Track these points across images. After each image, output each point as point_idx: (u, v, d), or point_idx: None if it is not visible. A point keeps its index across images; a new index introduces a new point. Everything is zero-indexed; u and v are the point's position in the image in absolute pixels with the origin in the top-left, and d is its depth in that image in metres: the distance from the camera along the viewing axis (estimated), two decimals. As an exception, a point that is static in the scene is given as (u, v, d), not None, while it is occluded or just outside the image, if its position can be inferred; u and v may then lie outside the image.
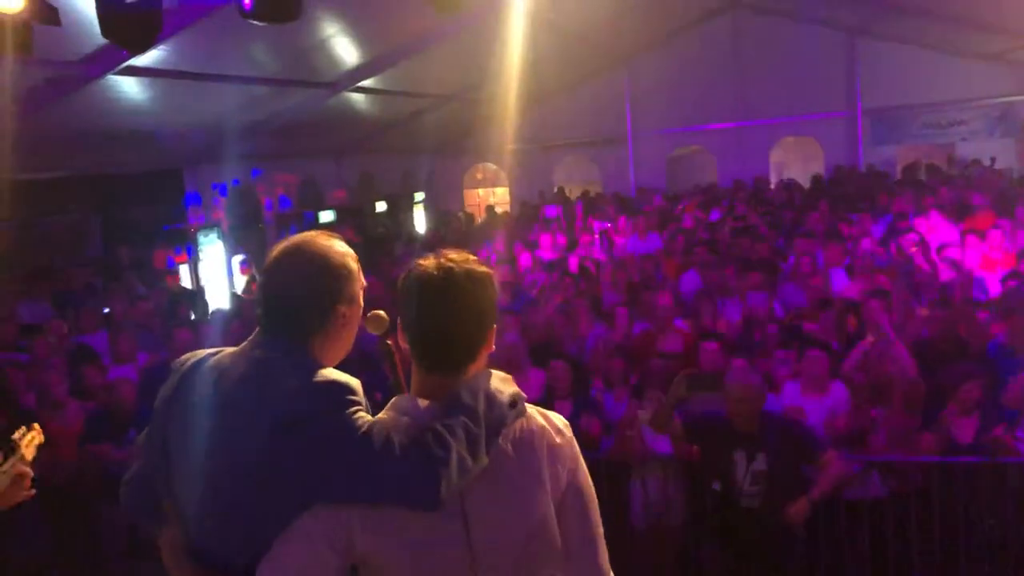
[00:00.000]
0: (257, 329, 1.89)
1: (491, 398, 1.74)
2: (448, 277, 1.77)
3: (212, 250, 11.27)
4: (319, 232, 1.95)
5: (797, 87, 17.00)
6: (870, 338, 5.71)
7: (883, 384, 5.46)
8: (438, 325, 1.77)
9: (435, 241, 12.44)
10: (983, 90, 16.22)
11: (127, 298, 8.83)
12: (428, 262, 1.81)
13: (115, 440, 5.80)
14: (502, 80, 12.94)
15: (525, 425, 1.79)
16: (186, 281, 10.55)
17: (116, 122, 9.80)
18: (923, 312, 6.45)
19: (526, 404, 1.84)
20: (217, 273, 11.26)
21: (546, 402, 5.72)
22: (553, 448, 1.80)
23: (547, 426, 1.81)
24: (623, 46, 17.06)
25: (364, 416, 1.74)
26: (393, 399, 1.85)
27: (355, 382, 1.78)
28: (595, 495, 1.87)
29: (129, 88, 9.11)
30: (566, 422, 1.87)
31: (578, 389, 5.94)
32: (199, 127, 10.94)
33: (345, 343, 1.95)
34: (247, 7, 5.36)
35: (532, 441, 1.78)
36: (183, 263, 10.59)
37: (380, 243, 13.72)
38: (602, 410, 5.81)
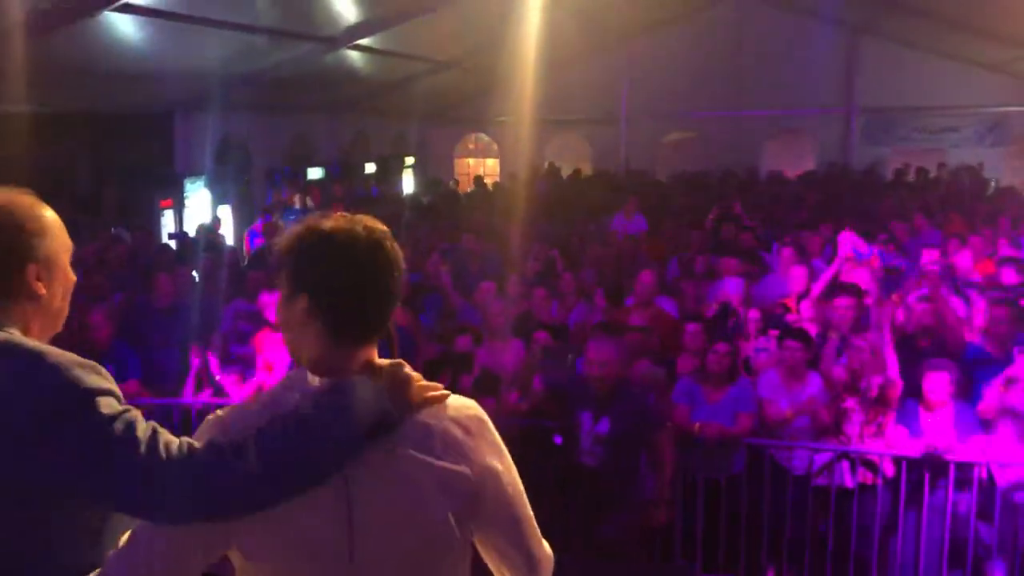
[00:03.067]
0: None
1: (348, 410, 1.51)
2: (374, 238, 1.62)
3: (198, 197, 11.18)
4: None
5: (794, 81, 17.02)
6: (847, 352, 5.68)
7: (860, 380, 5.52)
8: (367, 289, 1.61)
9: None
10: (979, 98, 16.31)
11: (105, 238, 8.76)
12: (342, 222, 1.63)
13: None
14: (501, 51, 12.87)
15: (427, 424, 1.61)
16: (171, 225, 10.48)
17: (110, 61, 9.67)
18: (896, 300, 6.51)
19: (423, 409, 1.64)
20: (202, 220, 11.18)
21: (528, 375, 5.79)
22: (459, 446, 1.62)
23: (451, 425, 1.64)
24: (624, 26, 16.98)
25: (114, 405, 1.53)
26: (287, 372, 1.70)
27: (90, 363, 1.57)
28: (518, 481, 1.73)
29: (125, 27, 8.97)
30: (476, 410, 1.70)
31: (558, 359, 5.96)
32: (194, 73, 10.81)
33: (53, 317, 1.73)
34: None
35: (433, 442, 1.60)
36: (168, 208, 10.50)
37: (368, 204, 13.66)
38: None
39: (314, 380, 1.60)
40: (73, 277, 1.77)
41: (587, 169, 18.61)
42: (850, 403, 5.42)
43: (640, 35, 17.87)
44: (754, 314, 6.59)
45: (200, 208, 11.24)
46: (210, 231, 10.24)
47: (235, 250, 9.91)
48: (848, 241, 7.38)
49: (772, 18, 17.03)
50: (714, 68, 17.52)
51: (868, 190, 14.25)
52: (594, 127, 19.10)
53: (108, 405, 1.53)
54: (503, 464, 1.69)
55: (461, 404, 1.69)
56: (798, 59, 16.84)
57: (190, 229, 10.74)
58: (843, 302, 6.12)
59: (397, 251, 1.65)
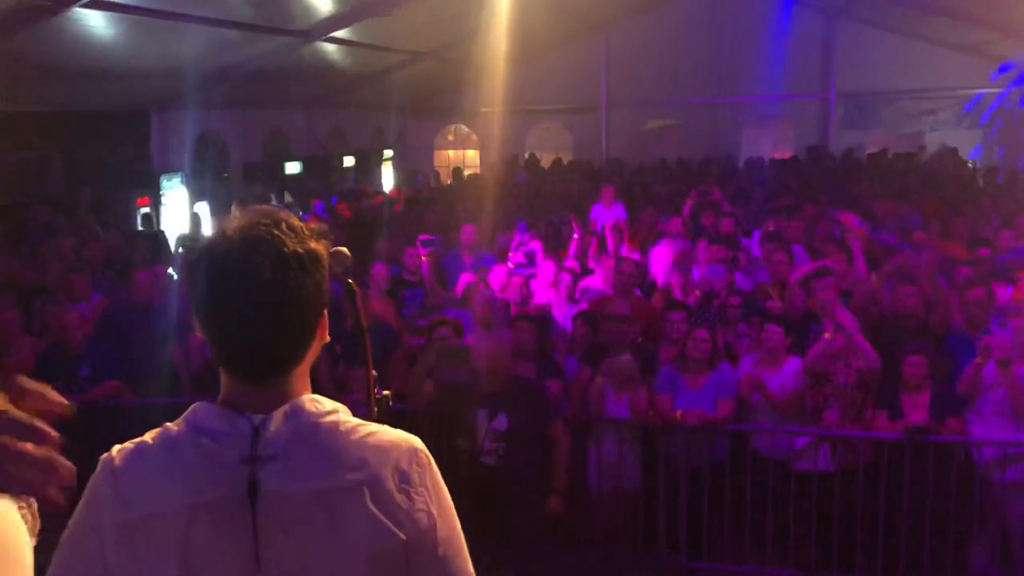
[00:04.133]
0: None
1: None
2: (284, 258, 1.39)
3: (175, 195, 11.08)
4: None
5: (772, 67, 17.05)
6: (827, 334, 5.67)
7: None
8: (243, 315, 1.39)
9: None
10: (955, 81, 16.41)
11: (83, 237, 8.67)
12: (238, 226, 1.42)
13: (65, 378, 5.73)
14: (477, 41, 12.82)
15: (353, 475, 1.39)
16: (148, 224, 10.38)
17: (83, 59, 9.55)
18: (874, 279, 6.54)
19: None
20: (179, 218, 11.09)
21: (511, 361, 5.78)
22: (392, 502, 1.41)
23: (386, 475, 1.41)
24: (601, 13, 16.96)
25: None
26: (192, 406, 1.45)
27: None
28: (457, 529, 1.50)
29: (97, 23, 8.85)
30: (415, 447, 1.47)
31: (542, 351, 5.96)
32: (168, 69, 10.70)
33: None
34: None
35: (360, 496, 1.39)
36: (145, 206, 10.41)
37: (347, 197, 13.59)
38: (564, 373, 5.84)
39: (227, 418, 1.41)
40: None
41: (568, 158, 18.59)
42: (828, 388, 5.45)
43: (617, 22, 17.85)
44: (735, 300, 6.61)
45: (177, 205, 11.15)
46: (191, 240, 10.17)
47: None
48: (853, 219, 7.46)
49: (749, 4, 17.05)
50: (692, 55, 17.54)
51: (847, 174, 14.32)
52: (574, 116, 19.10)
53: None
54: (442, 516, 1.46)
55: (399, 443, 1.46)
56: (776, 45, 16.88)
57: (167, 227, 10.66)
58: (824, 283, 6.14)
59: (320, 273, 1.43)
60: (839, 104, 17.56)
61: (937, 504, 5.10)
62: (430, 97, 18.36)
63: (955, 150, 15.78)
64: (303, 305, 1.41)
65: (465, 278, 7.18)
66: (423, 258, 7.20)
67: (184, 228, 11.01)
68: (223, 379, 1.46)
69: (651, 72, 17.74)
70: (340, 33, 12.06)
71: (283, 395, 1.44)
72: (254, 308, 1.38)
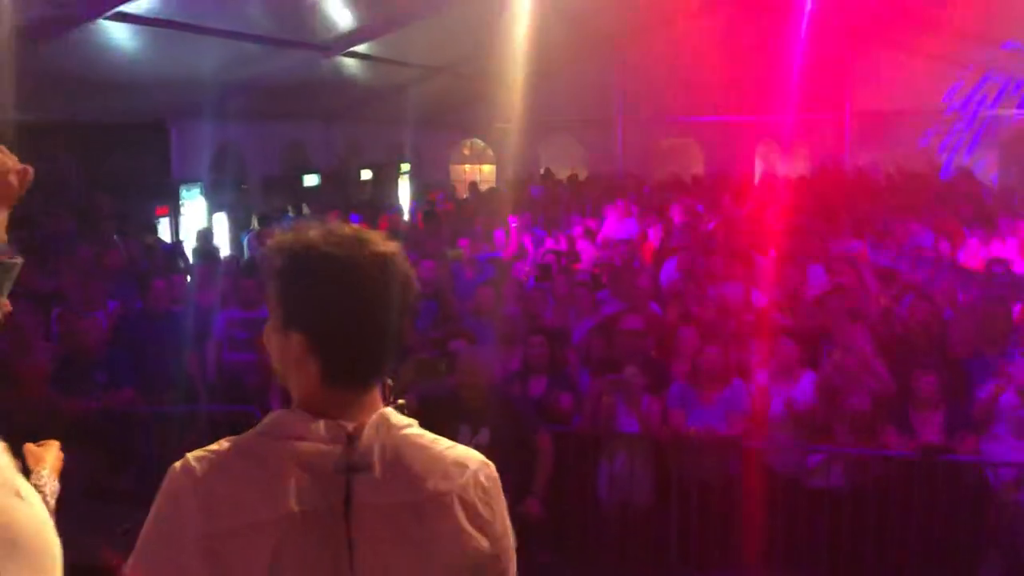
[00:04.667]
0: None
1: None
2: (381, 261, 1.42)
3: (194, 205, 11.20)
4: None
5: (788, 85, 17.03)
6: (838, 355, 5.65)
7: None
8: (375, 326, 1.42)
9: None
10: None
11: (102, 246, 8.77)
12: (341, 240, 1.42)
13: (82, 384, 5.80)
14: (493, 55, 12.88)
15: (445, 488, 1.43)
16: (166, 234, 10.49)
17: (105, 70, 9.67)
18: (885, 301, 6.54)
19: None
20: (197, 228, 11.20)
21: (522, 376, 5.82)
22: (478, 514, 1.46)
23: (466, 484, 1.46)
24: (617, 29, 17.02)
25: None
26: (272, 415, 1.46)
27: None
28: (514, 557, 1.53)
29: (119, 35, 8.99)
30: (487, 462, 1.52)
31: (554, 365, 5.99)
32: (188, 81, 10.82)
33: None
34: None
35: (445, 507, 1.43)
36: (164, 216, 10.52)
37: (364, 210, 13.68)
38: (576, 386, 5.86)
39: (317, 426, 1.40)
40: None
41: (583, 173, 18.64)
42: (841, 406, 5.44)
43: (632, 38, 17.90)
44: (748, 316, 6.62)
45: (196, 216, 11.26)
46: (207, 234, 10.28)
47: (230, 257, 9.92)
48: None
49: (764, 22, 17.06)
50: (707, 72, 17.54)
51: (861, 193, 14.29)
52: (589, 131, 19.14)
53: None
54: (508, 528, 1.53)
55: (473, 457, 1.51)
56: (791, 63, 16.87)
57: (186, 236, 10.77)
58: (835, 301, 6.15)
59: (409, 274, 1.46)
60: (854, 122, 17.54)
61: (948, 524, 5.08)
62: (446, 111, 18.45)
63: (968, 169, 15.74)
64: (402, 311, 1.44)
65: (483, 291, 7.21)
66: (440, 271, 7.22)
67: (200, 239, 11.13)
68: (309, 387, 1.44)
69: (666, 88, 17.77)
70: (359, 47, 12.17)
71: (373, 403, 1.46)
72: (369, 314, 1.40)
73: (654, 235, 10.15)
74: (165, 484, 1.40)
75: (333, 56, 12.00)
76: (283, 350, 1.44)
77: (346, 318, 1.40)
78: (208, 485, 1.37)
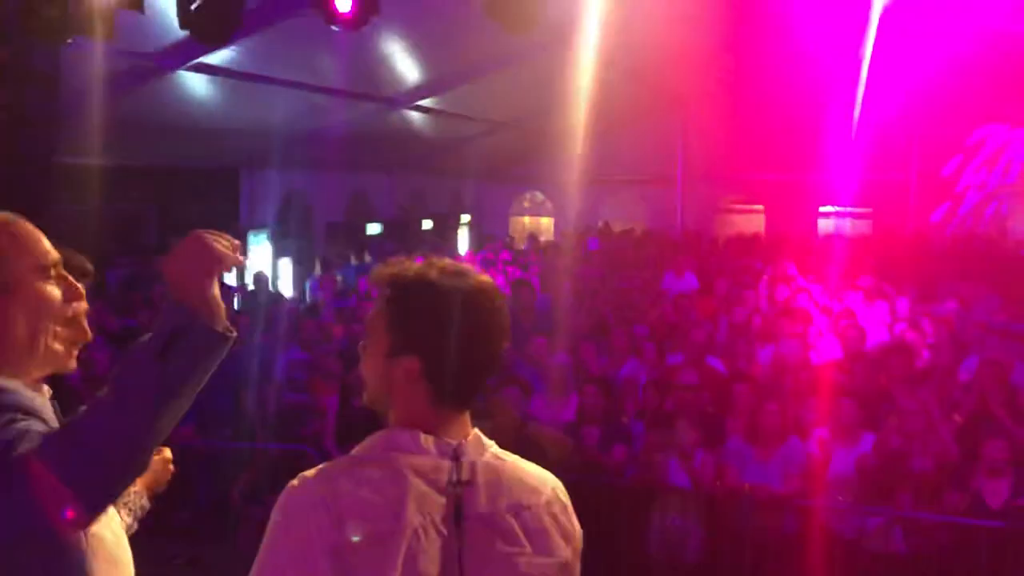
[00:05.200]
0: None
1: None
2: (489, 294, 1.55)
3: (260, 250, 11.50)
4: None
5: (852, 145, 16.91)
6: (900, 416, 5.51)
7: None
8: (486, 352, 1.55)
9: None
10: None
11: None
12: (453, 273, 1.54)
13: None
14: (556, 111, 13.06)
15: (531, 497, 1.56)
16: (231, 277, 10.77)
17: (181, 117, 10.09)
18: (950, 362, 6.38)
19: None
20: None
21: (577, 426, 5.82)
22: (563, 520, 1.60)
23: (552, 497, 1.59)
24: (681, 88, 17.14)
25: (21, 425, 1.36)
26: (384, 433, 1.55)
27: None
28: None
29: (197, 85, 9.40)
30: (562, 488, 1.64)
31: (608, 415, 5.97)
32: (260, 130, 11.22)
33: (23, 340, 1.48)
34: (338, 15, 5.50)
35: (540, 516, 1.56)
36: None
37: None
38: (630, 438, 5.83)
39: (427, 441, 1.50)
40: (51, 298, 1.52)
41: (642, 228, 18.66)
42: (903, 469, 5.31)
43: (695, 97, 17.99)
44: (806, 374, 6.53)
45: (261, 260, 11.57)
46: (263, 277, 10.55)
47: (292, 300, 10.15)
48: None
49: (828, 82, 17.02)
50: (771, 132, 17.53)
51: (926, 254, 14.03)
52: (649, 187, 19.20)
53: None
54: (580, 541, 1.63)
55: (548, 474, 1.63)
56: (855, 124, 16.77)
57: (250, 279, 11.05)
58: (898, 361, 6.03)
59: (505, 303, 1.58)
60: (917, 182, 17.31)
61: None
62: (508, 164, 18.72)
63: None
64: (502, 338, 1.57)
65: (537, 340, 7.23)
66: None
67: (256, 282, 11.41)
68: (418, 407, 1.53)
69: (729, 147, 17.77)
70: (424, 101, 12.49)
71: (468, 424, 1.58)
72: (477, 340, 1.53)
73: (714, 290, 10.09)
74: (285, 502, 1.46)
75: (399, 109, 12.33)
76: (389, 374, 1.53)
77: (458, 344, 1.50)
78: (335, 498, 1.43)
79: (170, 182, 11.30)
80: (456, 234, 17.91)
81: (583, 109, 12.69)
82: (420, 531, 1.44)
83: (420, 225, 16.48)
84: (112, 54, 7.10)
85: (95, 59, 6.62)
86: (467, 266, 1.59)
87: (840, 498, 5.39)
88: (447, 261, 1.57)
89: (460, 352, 1.50)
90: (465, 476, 1.49)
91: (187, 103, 9.71)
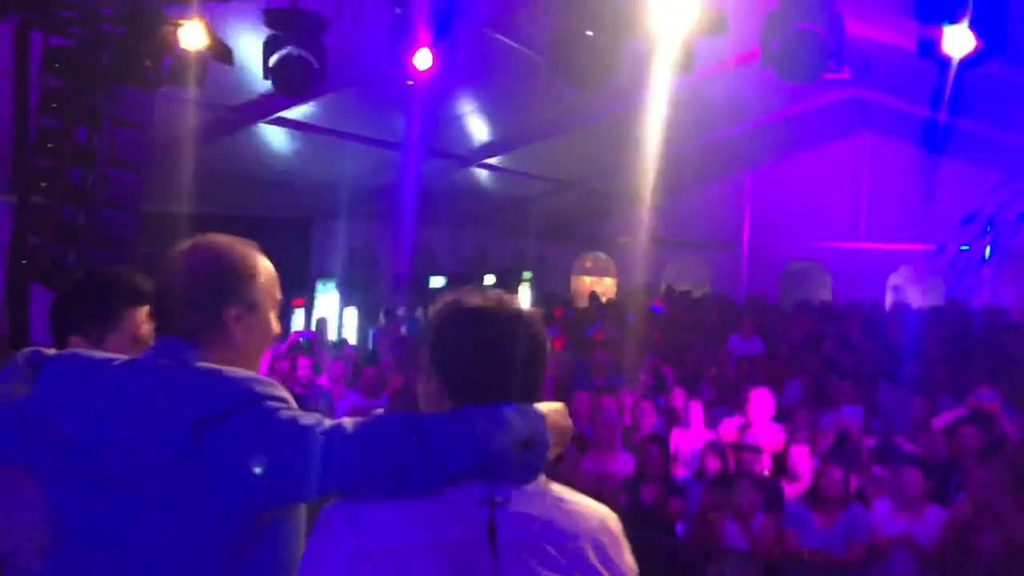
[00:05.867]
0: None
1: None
2: (513, 315, 1.62)
3: (327, 298, 11.78)
4: (229, 236, 1.80)
5: (921, 215, 16.66)
6: (969, 490, 5.36)
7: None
8: (501, 368, 1.59)
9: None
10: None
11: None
12: (484, 299, 1.63)
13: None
14: (621, 173, 13.21)
15: (568, 521, 1.55)
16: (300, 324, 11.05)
17: (257, 168, 10.47)
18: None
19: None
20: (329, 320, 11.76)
21: (635, 482, 5.80)
22: (603, 552, 1.57)
23: (594, 526, 1.58)
24: (748, 153, 17.17)
25: (294, 410, 1.59)
26: None
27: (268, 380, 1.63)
28: None
29: (275, 138, 9.77)
30: (613, 521, 1.63)
31: (666, 474, 5.94)
32: (332, 182, 11.56)
33: (249, 356, 1.74)
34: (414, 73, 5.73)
35: (579, 542, 1.55)
36: (299, 306, 11.09)
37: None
38: (688, 496, 5.78)
39: None
40: (275, 330, 1.78)
41: (706, 292, 18.55)
42: (971, 545, 5.14)
43: (761, 162, 18.01)
44: (870, 442, 6.40)
45: (328, 308, 11.84)
46: (324, 324, 10.79)
47: (356, 348, 10.34)
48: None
49: (897, 149, 16.89)
50: (838, 198, 17.41)
51: (999, 334, 13.58)
52: (714, 251, 19.14)
53: (275, 404, 1.57)
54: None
55: (604, 510, 1.62)
56: (925, 192, 16.55)
57: (316, 326, 11.32)
58: (970, 431, 5.88)
59: (540, 333, 1.61)
60: (993, 257, 16.88)
61: None
62: (571, 223, 18.87)
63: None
64: (528, 364, 1.59)
65: (581, 397, 7.23)
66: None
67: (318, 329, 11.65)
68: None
69: (795, 212, 17.68)
70: (491, 159, 12.74)
71: None
72: (495, 362, 1.57)
73: (778, 354, 9.98)
74: (318, 518, 1.55)
75: (467, 166, 12.59)
76: (427, 391, 1.62)
77: (474, 365, 1.57)
78: (356, 509, 1.51)
79: (245, 230, 11.56)
80: (518, 291, 18.04)
81: (648, 171, 12.79)
82: (443, 551, 1.46)
83: (482, 280, 16.64)
84: (200, 106, 7.46)
85: (184, 109, 6.95)
86: (512, 298, 1.64)
87: (902, 570, 5.24)
88: (495, 292, 1.64)
89: (476, 374, 1.56)
90: (498, 496, 1.50)
91: (266, 155, 10.09)
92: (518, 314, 1.61)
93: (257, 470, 1.49)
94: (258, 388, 1.58)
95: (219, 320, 1.69)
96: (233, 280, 1.72)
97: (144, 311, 2.04)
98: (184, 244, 1.75)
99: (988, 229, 15.39)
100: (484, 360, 1.57)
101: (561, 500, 1.57)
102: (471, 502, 1.50)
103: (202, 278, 1.70)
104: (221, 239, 1.77)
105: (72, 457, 1.60)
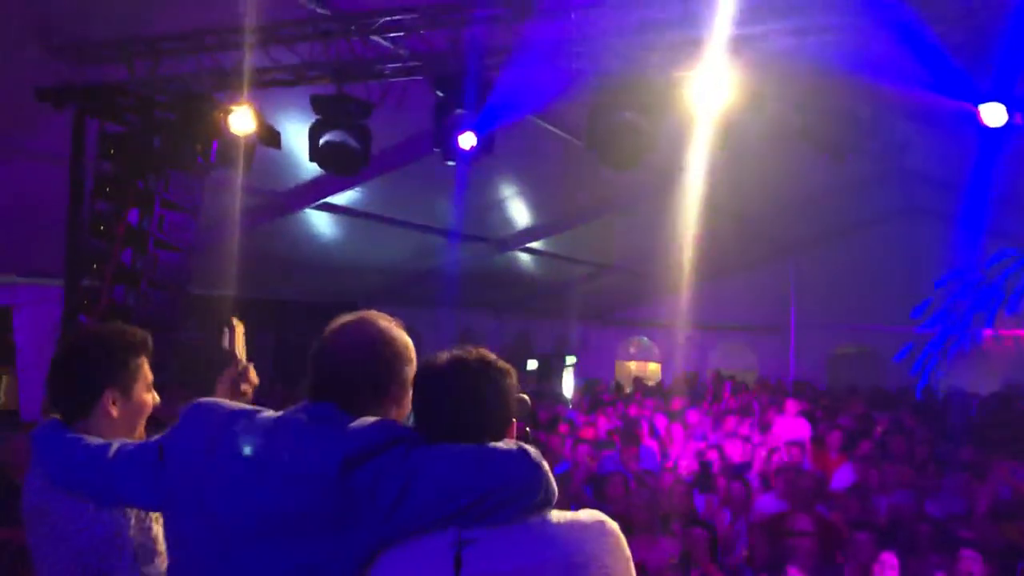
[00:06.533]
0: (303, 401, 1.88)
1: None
2: (481, 368, 1.75)
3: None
4: (377, 313, 1.97)
5: (971, 298, 16.36)
6: None
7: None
8: (464, 419, 1.70)
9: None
10: None
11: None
12: (452, 354, 1.78)
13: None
14: (663, 257, 13.19)
15: (546, 553, 1.58)
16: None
17: (302, 253, 10.67)
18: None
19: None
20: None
21: (683, 568, 5.61)
22: (600, 562, 1.61)
23: (576, 550, 1.62)
24: (791, 237, 17.11)
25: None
26: None
27: None
28: None
29: (320, 222, 9.97)
30: (610, 530, 1.68)
31: (714, 556, 5.75)
32: (377, 267, 11.72)
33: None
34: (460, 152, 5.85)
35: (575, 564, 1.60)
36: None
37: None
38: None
39: None
40: (409, 407, 1.90)
41: (752, 377, 18.24)
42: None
43: (805, 247, 17.91)
44: (925, 527, 6.15)
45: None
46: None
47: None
48: None
49: (942, 234, 16.68)
50: (884, 281, 17.17)
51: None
52: (759, 335, 18.91)
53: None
54: None
55: (590, 524, 1.65)
56: (974, 276, 16.29)
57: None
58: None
59: (508, 386, 1.73)
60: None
61: None
62: (614, 307, 18.83)
63: None
64: (493, 411, 1.72)
65: (616, 480, 7.07)
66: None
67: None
68: None
69: (841, 296, 17.47)
70: (532, 243, 12.84)
71: None
72: (455, 410, 1.70)
73: (827, 439, 9.71)
74: None
75: (509, 251, 12.70)
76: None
77: (437, 409, 1.72)
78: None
79: (287, 314, 11.81)
80: (561, 376, 17.92)
81: (691, 254, 12.76)
82: None
83: (525, 365, 16.59)
84: (247, 189, 7.67)
85: (232, 193, 7.14)
86: (485, 353, 1.77)
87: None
88: (472, 349, 1.77)
89: (441, 422, 1.68)
90: (467, 535, 1.54)
91: (309, 239, 10.27)
92: (484, 365, 1.73)
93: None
94: (405, 429, 1.77)
95: (385, 395, 1.86)
96: (402, 360, 1.90)
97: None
98: (345, 319, 1.96)
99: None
100: (451, 409, 1.69)
101: (536, 522, 1.59)
102: (444, 543, 1.55)
103: (380, 354, 1.88)
104: (376, 315, 1.97)
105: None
